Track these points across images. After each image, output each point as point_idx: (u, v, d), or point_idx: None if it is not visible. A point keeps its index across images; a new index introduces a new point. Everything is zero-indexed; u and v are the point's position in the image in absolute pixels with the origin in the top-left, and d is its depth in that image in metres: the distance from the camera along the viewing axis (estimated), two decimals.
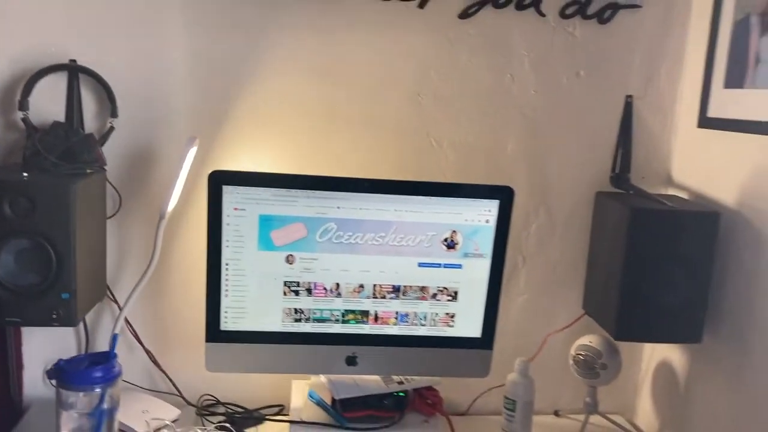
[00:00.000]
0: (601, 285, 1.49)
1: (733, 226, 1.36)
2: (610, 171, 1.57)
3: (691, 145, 1.54)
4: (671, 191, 1.59)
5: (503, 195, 1.39)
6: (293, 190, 1.35)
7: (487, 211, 1.40)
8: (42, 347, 1.51)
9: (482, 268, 1.43)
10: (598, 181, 1.57)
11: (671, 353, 1.56)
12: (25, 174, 1.28)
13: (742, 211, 1.35)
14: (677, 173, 1.58)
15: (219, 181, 1.33)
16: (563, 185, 1.60)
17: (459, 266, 1.42)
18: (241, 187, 1.34)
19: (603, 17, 1.52)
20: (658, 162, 1.60)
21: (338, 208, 1.37)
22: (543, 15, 1.51)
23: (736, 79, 1.36)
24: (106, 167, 1.42)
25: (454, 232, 1.40)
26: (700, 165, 1.51)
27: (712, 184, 1.45)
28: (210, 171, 1.34)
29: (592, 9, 1.51)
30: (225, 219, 1.35)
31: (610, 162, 1.58)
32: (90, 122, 1.45)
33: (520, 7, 1.49)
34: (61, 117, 1.40)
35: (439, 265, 1.42)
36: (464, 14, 1.49)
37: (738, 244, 1.36)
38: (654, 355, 1.64)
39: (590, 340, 1.53)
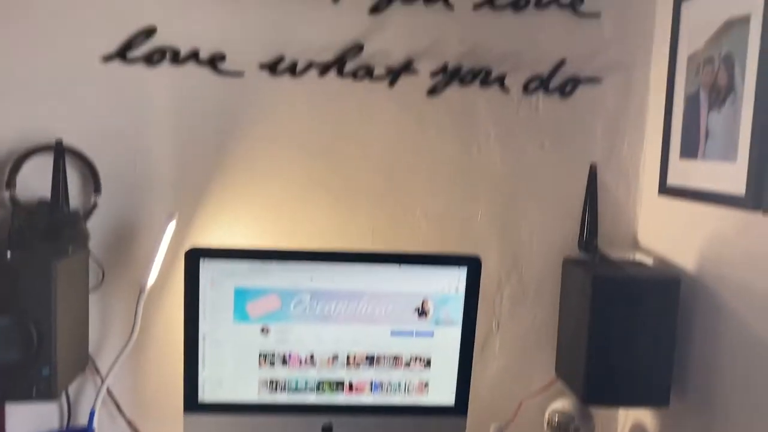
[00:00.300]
0: (569, 350, 1.52)
1: (695, 292, 1.40)
2: (578, 236, 1.62)
3: (654, 212, 1.59)
4: (638, 256, 1.63)
5: (471, 264, 1.44)
6: (267, 263, 1.40)
7: (456, 279, 1.44)
8: (25, 420, 1.53)
9: (454, 335, 1.46)
10: (566, 246, 1.61)
11: (644, 417, 1.58)
12: (9, 252, 1.33)
13: (702, 277, 1.39)
14: (643, 238, 1.63)
15: (195, 257, 1.38)
16: (534, 251, 1.64)
17: (431, 334, 1.46)
18: (216, 262, 1.39)
19: (564, 91, 1.59)
20: (624, 227, 1.64)
21: (311, 279, 1.41)
22: (507, 90, 1.58)
23: (690, 150, 1.42)
24: (89, 243, 1.47)
25: (424, 300, 1.45)
26: (663, 231, 1.55)
27: (675, 250, 1.49)
28: (191, 243, 1.39)
29: (553, 83, 1.58)
30: (202, 292, 1.39)
31: (577, 228, 1.62)
32: (75, 198, 1.50)
33: (485, 83, 1.57)
34: (47, 193, 1.44)
35: (411, 334, 1.45)
36: (432, 91, 1.57)
37: (700, 309, 1.39)
38: (628, 419, 1.65)
39: (563, 404, 1.54)
